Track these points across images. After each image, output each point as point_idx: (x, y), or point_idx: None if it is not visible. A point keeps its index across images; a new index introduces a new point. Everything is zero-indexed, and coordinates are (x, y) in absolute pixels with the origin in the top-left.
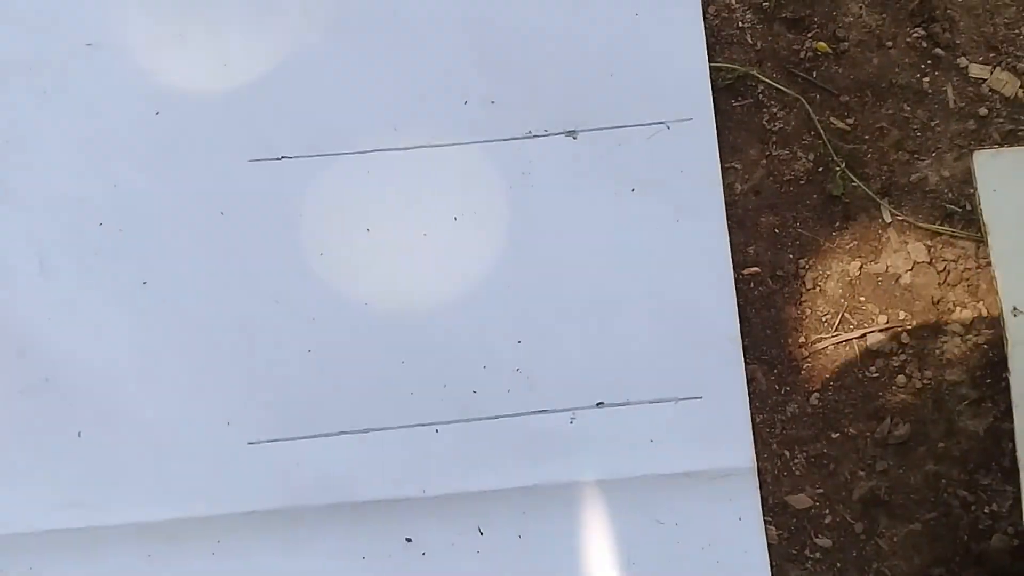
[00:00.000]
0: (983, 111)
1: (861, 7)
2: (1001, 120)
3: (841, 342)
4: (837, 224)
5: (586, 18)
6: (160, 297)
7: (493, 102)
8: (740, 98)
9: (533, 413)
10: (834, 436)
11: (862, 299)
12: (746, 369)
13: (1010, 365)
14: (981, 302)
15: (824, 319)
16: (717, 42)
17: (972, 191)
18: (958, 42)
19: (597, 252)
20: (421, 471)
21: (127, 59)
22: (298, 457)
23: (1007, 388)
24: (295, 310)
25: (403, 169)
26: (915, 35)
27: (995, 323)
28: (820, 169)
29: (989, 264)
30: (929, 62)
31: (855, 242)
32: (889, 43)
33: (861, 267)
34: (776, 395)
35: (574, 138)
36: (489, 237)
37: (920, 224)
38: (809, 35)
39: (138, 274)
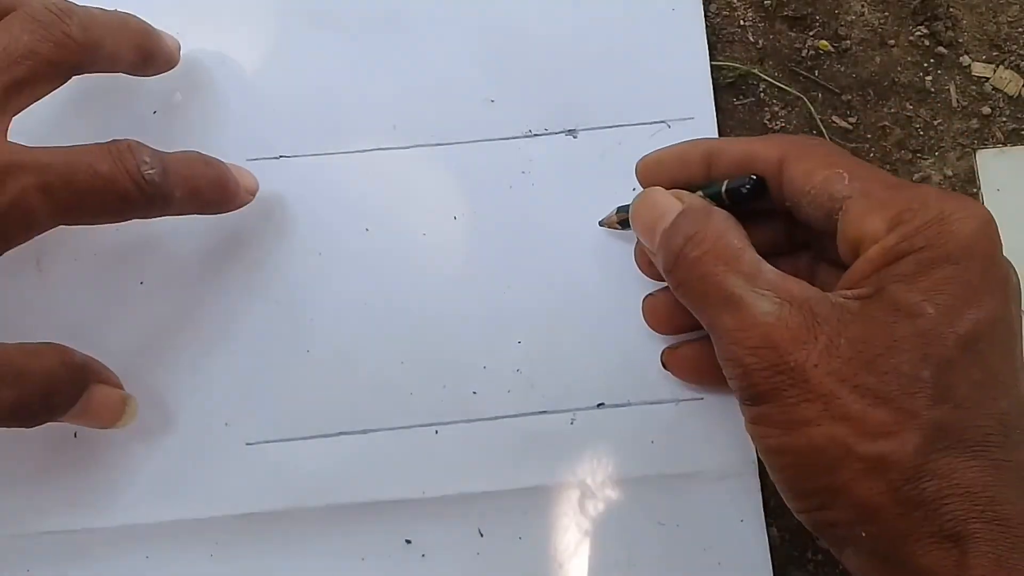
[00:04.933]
0: (986, 110)
1: (863, 5)
2: (1004, 119)
3: None
4: None
5: (586, 17)
6: (157, 297)
7: (493, 101)
8: (741, 96)
9: (533, 414)
10: None
11: None
12: None
13: None
14: None
15: None
16: (718, 40)
17: (975, 190)
18: (961, 40)
19: (597, 251)
20: (421, 471)
21: None
22: (297, 458)
23: None
24: (294, 310)
25: (403, 168)
26: (917, 33)
27: None
28: None
29: None
30: (932, 60)
31: None
32: (891, 41)
33: None
34: None
35: (574, 137)
36: (489, 236)
37: None
38: (811, 33)
39: (136, 273)
